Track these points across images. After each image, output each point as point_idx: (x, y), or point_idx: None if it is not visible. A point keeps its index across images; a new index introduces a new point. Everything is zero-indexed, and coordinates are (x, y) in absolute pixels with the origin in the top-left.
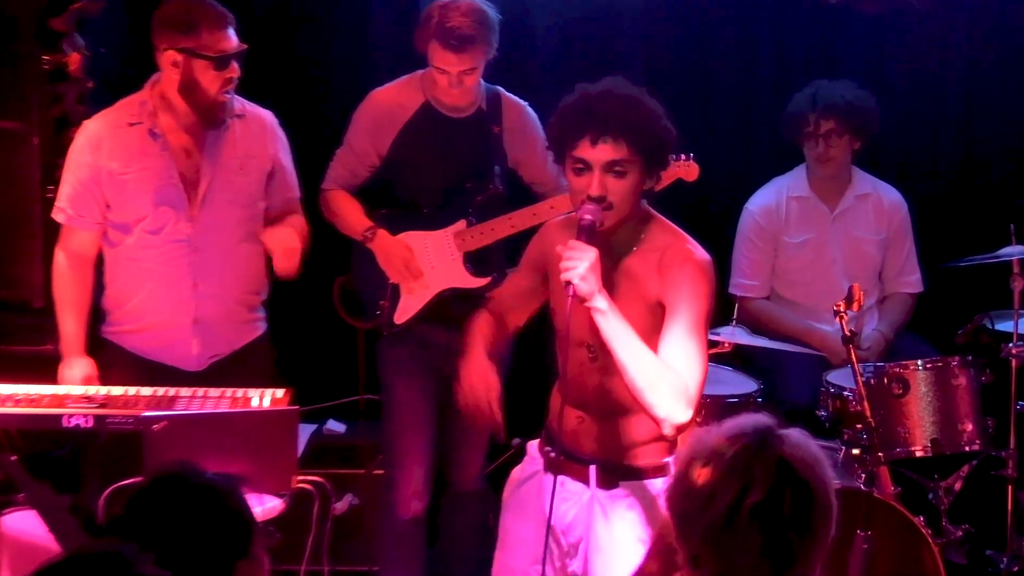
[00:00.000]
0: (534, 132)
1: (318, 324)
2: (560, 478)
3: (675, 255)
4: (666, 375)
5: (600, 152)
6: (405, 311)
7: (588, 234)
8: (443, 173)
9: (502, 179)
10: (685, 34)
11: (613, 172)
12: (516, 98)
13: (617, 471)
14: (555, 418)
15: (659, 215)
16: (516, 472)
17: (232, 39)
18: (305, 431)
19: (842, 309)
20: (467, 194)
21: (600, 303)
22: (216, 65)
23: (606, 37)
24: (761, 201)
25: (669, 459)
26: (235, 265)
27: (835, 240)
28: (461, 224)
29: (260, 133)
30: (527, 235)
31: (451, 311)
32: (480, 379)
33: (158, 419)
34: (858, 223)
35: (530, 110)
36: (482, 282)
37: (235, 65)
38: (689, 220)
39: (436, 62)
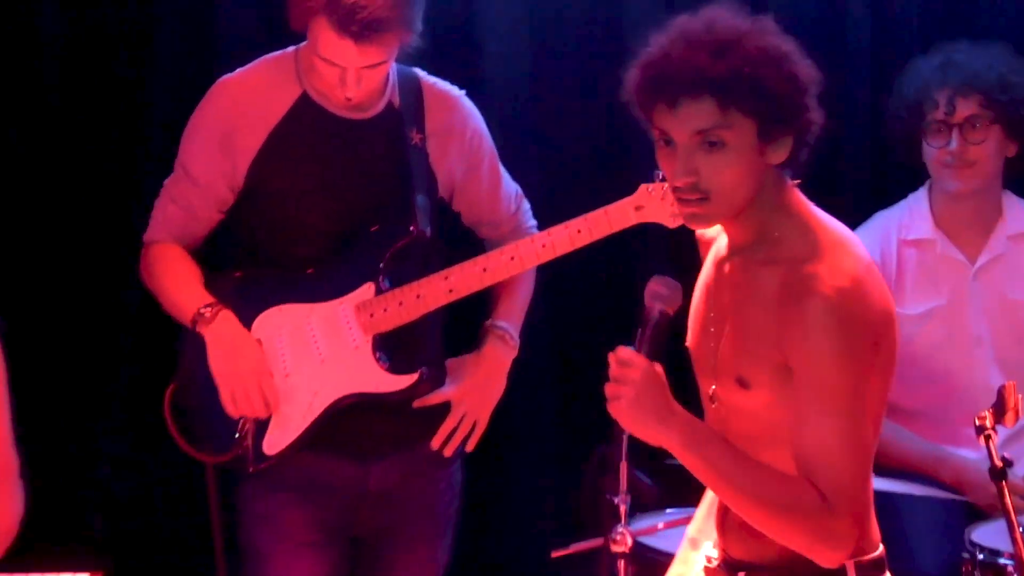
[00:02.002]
0: (477, 138)
1: (141, 457)
2: None
3: (792, 282)
4: (791, 500)
5: (682, 119)
6: (281, 435)
7: (655, 332)
8: (335, 207)
9: (429, 215)
10: None
11: (705, 145)
12: (446, 85)
13: None
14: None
15: (801, 202)
16: None
17: None
18: None
19: (989, 424)
20: (374, 241)
21: (668, 438)
22: None
23: None
24: None
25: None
26: None
27: (978, 309)
28: (367, 290)
29: None
30: (476, 303)
31: (357, 430)
32: None
33: None
34: (1016, 281)
35: (468, 103)
36: (404, 382)
37: None
38: None
39: (325, 51)
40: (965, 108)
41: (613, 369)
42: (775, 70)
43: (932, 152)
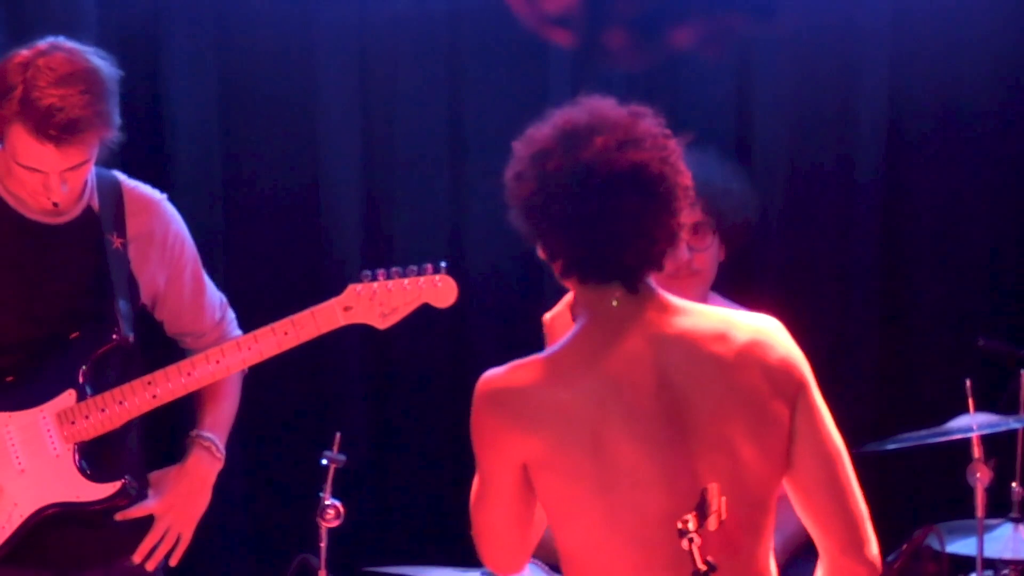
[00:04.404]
0: (178, 244)
1: None
2: None
3: None
4: None
5: None
6: None
7: None
8: (33, 315)
9: (131, 321)
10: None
11: None
12: (147, 189)
13: None
14: None
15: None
16: None
17: None
18: None
19: (692, 527)
20: (76, 348)
21: None
22: None
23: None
24: None
25: None
26: None
27: None
28: (67, 397)
29: None
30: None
31: (58, 544)
32: None
33: None
34: None
35: (169, 208)
36: (106, 491)
37: None
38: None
39: (25, 159)
40: (690, 216)
41: None
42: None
43: None
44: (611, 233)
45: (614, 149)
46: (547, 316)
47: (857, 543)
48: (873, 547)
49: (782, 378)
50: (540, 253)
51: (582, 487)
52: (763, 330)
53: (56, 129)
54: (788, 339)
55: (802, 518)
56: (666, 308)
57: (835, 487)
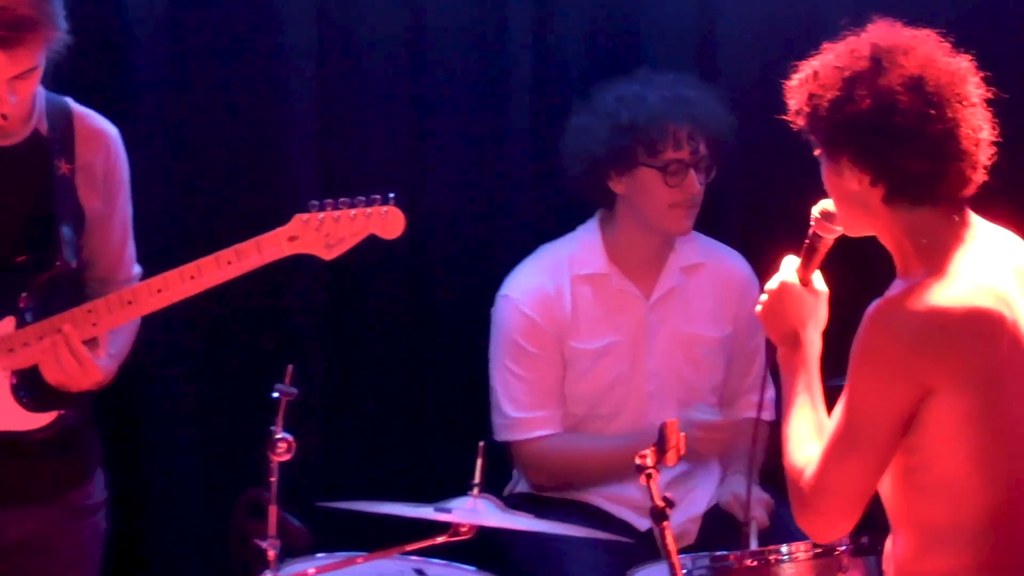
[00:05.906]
0: (123, 183)
1: None
2: None
3: None
4: (796, 463)
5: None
6: None
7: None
8: None
9: (75, 247)
10: None
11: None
12: (101, 121)
13: None
14: None
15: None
16: None
17: None
18: None
19: (651, 463)
20: (15, 274)
21: (780, 351)
22: None
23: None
24: (528, 285)
25: None
26: None
27: (656, 342)
28: (6, 324)
29: None
30: None
31: None
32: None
33: None
34: (690, 312)
35: (121, 145)
36: (42, 420)
37: None
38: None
39: None
40: (703, 148)
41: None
42: (806, 94)
43: (662, 191)
44: (951, 146)
45: (935, 60)
46: (769, 286)
47: None
48: None
49: None
50: (854, 174)
51: (992, 401)
52: None
53: (3, 29)
54: None
55: None
56: (979, 223)
57: None
